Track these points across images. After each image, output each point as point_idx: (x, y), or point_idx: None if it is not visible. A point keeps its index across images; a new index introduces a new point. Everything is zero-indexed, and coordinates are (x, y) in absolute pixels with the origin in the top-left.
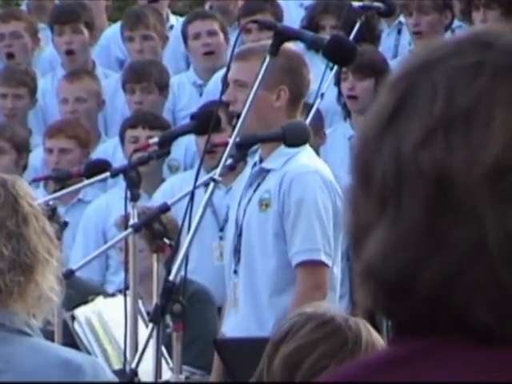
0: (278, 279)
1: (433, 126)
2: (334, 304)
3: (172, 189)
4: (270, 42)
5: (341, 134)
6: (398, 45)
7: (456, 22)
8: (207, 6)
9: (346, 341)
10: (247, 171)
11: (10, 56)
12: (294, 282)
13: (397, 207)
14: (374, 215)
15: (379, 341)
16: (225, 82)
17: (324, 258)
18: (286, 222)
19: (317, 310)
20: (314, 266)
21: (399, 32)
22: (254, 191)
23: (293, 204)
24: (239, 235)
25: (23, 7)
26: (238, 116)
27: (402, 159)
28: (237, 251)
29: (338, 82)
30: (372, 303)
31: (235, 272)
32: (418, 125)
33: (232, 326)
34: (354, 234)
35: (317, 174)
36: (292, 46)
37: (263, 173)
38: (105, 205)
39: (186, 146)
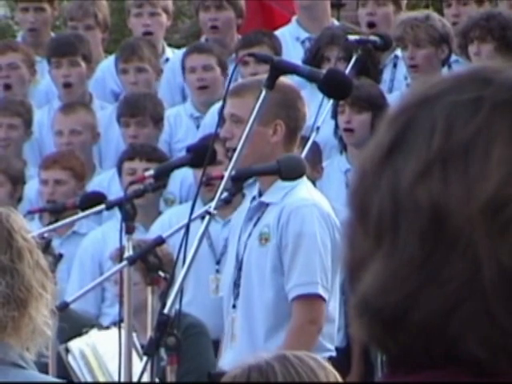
0: (276, 314)
1: (430, 160)
2: (333, 335)
3: (169, 221)
4: (264, 76)
5: (337, 168)
6: (393, 79)
7: (453, 57)
8: (203, 39)
9: None
10: (246, 205)
11: (7, 87)
12: (291, 317)
13: (393, 241)
14: (371, 249)
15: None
16: (221, 116)
17: (321, 292)
18: (284, 255)
19: (234, 373)
20: (311, 300)
21: (395, 66)
22: (254, 225)
23: (291, 237)
24: (239, 269)
25: (19, 39)
26: (234, 150)
27: (398, 193)
28: (236, 285)
29: (334, 115)
30: (367, 336)
31: (234, 306)
32: (416, 159)
33: (229, 360)
34: (351, 267)
35: (315, 207)
36: (287, 79)
37: (262, 207)
38: (101, 237)
39: (182, 180)
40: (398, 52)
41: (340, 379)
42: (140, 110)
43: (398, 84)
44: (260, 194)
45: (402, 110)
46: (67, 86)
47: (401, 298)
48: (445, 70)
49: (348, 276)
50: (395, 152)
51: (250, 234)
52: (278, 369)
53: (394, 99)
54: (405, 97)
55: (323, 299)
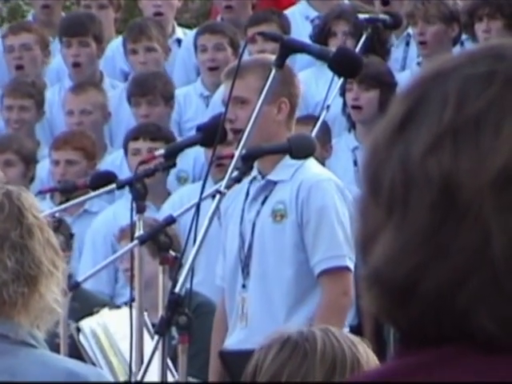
0: (296, 291)
1: (441, 133)
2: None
3: (181, 200)
4: (262, 55)
5: (344, 146)
6: (406, 57)
7: (464, 35)
8: (219, 18)
9: (305, 353)
10: (240, 186)
11: (19, 68)
12: (312, 292)
13: (404, 213)
14: (382, 221)
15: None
16: (230, 96)
17: (349, 263)
18: (306, 231)
19: (273, 336)
20: (340, 272)
21: (407, 44)
22: (262, 204)
23: (313, 212)
24: (249, 248)
25: (29, 18)
26: (239, 131)
27: (409, 165)
28: (245, 265)
29: (342, 92)
30: (377, 309)
31: (243, 286)
32: (427, 131)
33: (240, 340)
34: (363, 240)
35: (331, 181)
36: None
37: (270, 185)
38: (112, 217)
39: (195, 158)
40: (411, 30)
41: (376, 359)
42: (150, 88)
43: (410, 62)
44: (261, 174)
45: (415, 85)
46: (76, 65)
47: (410, 269)
48: (457, 49)
49: (360, 249)
50: (407, 125)
51: (258, 213)
52: (319, 335)
53: (405, 77)
54: (418, 73)
55: (351, 271)
